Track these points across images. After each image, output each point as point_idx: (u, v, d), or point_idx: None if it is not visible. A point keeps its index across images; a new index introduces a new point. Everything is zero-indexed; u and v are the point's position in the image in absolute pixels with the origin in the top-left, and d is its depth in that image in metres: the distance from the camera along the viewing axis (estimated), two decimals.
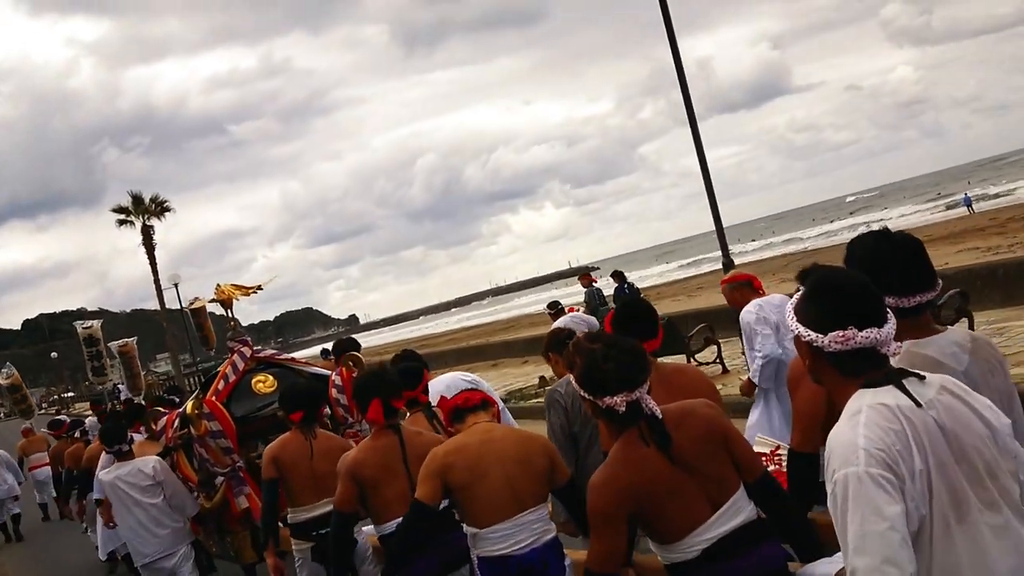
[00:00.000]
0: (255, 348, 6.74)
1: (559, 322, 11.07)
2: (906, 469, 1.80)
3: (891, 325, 1.95)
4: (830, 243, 44.82)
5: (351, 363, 6.09)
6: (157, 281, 40.29)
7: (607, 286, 17.67)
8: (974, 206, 47.61)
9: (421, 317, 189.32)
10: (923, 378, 1.95)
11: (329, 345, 9.12)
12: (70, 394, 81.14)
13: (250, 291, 6.85)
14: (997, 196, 54.87)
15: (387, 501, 3.83)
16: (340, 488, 3.88)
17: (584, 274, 17.30)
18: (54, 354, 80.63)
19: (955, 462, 1.85)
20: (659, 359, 3.51)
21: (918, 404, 1.87)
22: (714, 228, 15.05)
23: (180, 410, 6.63)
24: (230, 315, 6.81)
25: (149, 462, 6.18)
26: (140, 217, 40.88)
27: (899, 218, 57.78)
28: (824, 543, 2.53)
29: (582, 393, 2.52)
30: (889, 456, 1.79)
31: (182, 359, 44.11)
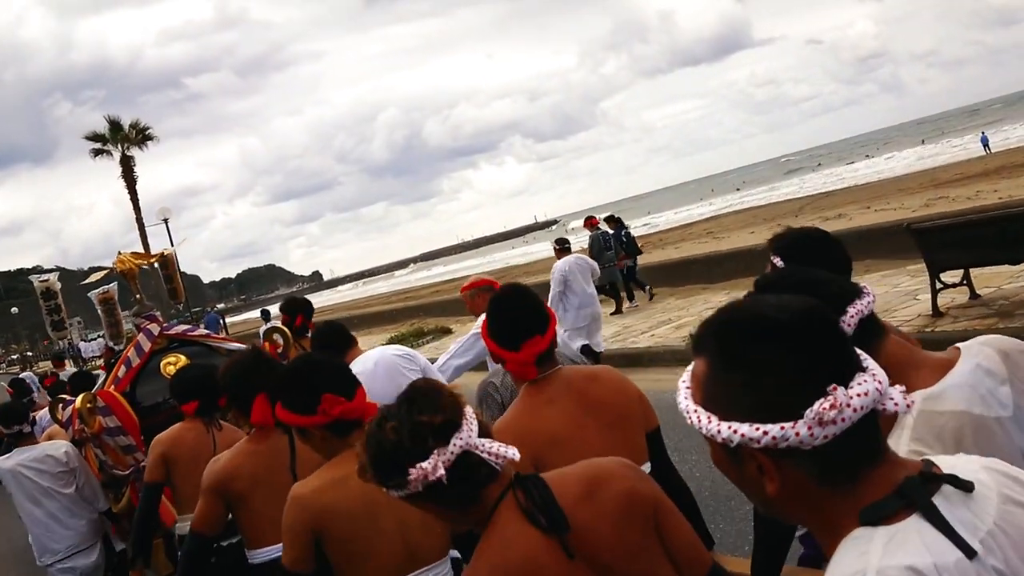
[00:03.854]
0: (164, 324, 5.97)
1: (560, 263, 9.96)
2: None
3: (870, 359, 1.09)
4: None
5: (276, 336, 5.29)
6: (139, 218, 35.88)
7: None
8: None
9: (388, 273, 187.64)
10: (969, 487, 1.04)
11: (271, 307, 8.31)
12: (29, 353, 79.19)
13: (152, 259, 6.47)
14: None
15: (262, 522, 2.98)
16: (201, 504, 3.06)
17: (589, 217, 16.26)
18: (15, 309, 78.10)
19: None
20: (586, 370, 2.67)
21: (969, 553, 0.98)
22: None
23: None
24: (134, 288, 6.18)
25: (61, 446, 5.47)
26: (119, 146, 36.63)
27: (901, 161, 56.79)
28: None
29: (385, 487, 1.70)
30: None
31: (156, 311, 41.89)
